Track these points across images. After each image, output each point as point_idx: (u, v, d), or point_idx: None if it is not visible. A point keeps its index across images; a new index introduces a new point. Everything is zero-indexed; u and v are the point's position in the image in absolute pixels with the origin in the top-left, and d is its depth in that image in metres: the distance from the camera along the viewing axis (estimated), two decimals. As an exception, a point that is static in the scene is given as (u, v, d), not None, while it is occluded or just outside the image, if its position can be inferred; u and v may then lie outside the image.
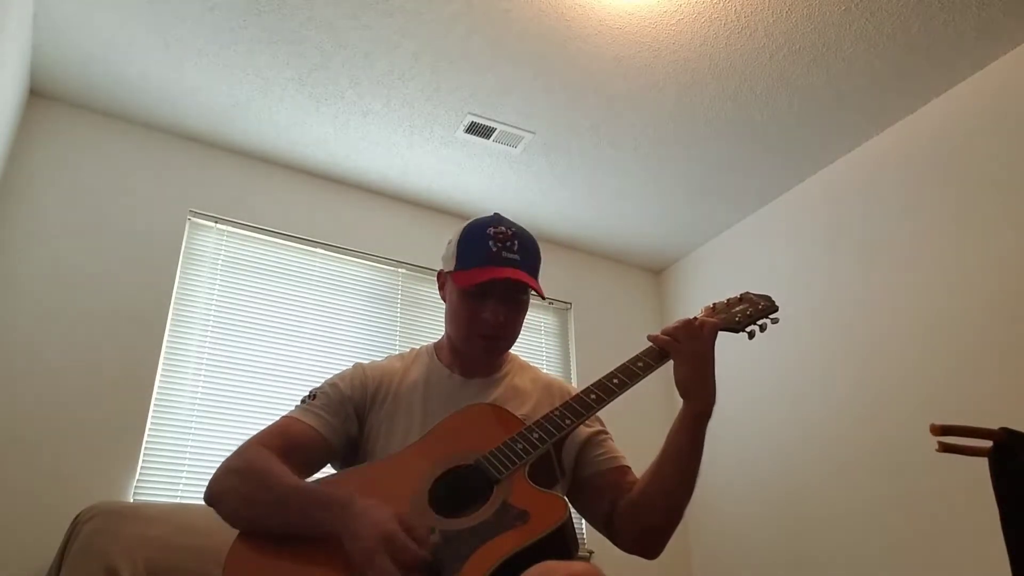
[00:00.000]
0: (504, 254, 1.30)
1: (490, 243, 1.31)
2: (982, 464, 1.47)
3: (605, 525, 1.31)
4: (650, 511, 1.24)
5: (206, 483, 1.17)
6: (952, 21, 2.47)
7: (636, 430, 2.15)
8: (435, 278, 1.46)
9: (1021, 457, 1.43)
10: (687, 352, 1.23)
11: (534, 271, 1.35)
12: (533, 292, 1.37)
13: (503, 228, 1.34)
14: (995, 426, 1.48)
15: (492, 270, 1.28)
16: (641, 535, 1.27)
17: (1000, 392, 2.39)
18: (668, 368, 1.29)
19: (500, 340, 1.35)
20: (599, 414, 1.27)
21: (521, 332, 1.40)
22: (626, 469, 1.35)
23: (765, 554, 3.12)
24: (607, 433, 1.40)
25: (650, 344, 1.29)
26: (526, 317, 1.43)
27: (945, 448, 1.47)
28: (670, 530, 1.25)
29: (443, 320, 1.45)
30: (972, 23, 2.47)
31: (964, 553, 2.37)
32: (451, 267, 1.34)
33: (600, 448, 1.35)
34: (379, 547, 0.97)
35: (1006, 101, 2.59)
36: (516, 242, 1.33)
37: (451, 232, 1.43)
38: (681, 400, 1.25)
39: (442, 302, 1.44)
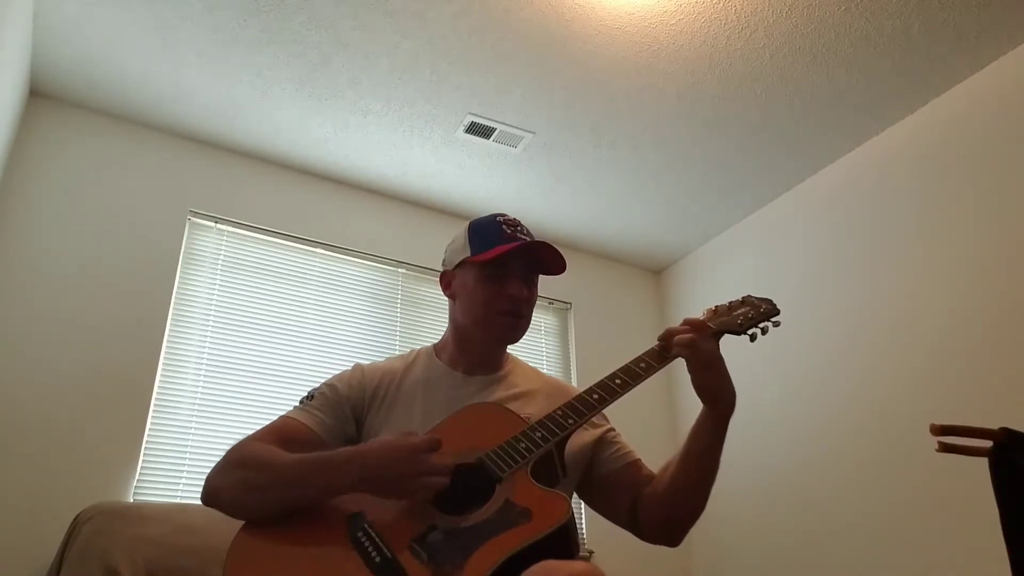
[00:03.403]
0: (518, 235, 1.37)
1: (503, 227, 1.37)
2: (982, 464, 1.47)
3: (628, 520, 1.33)
4: (678, 505, 1.27)
5: (206, 483, 1.17)
6: (952, 21, 2.47)
7: (637, 430, 2.15)
8: (436, 278, 1.47)
9: (1021, 457, 1.43)
10: (704, 357, 1.23)
11: (555, 252, 1.39)
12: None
13: (509, 217, 1.41)
14: (995, 426, 1.48)
15: (515, 244, 1.34)
16: (668, 527, 1.30)
17: (1002, 392, 2.39)
18: (669, 369, 1.30)
19: (522, 318, 1.37)
20: (604, 412, 1.28)
21: None
22: (640, 463, 1.37)
23: (765, 554, 3.12)
24: (615, 430, 1.41)
25: (653, 345, 1.30)
26: None
27: (945, 448, 1.47)
28: (695, 520, 1.29)
29: (444, 320, 1.47)
30: (972, 23, 2.48)
31: (964, 553, 2.37)
32: (464, 255, 1.37)
33: (613, 446, 1.37)
34: (408, 458, 1.05)
35: (1006, 101, 2.59)
36: (523, 227, 1.41)
37: (450, 234, 1.48)
38: (685, 401, 1.26)
39: (444, 301, 1.45)
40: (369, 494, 1.09)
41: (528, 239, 1.37)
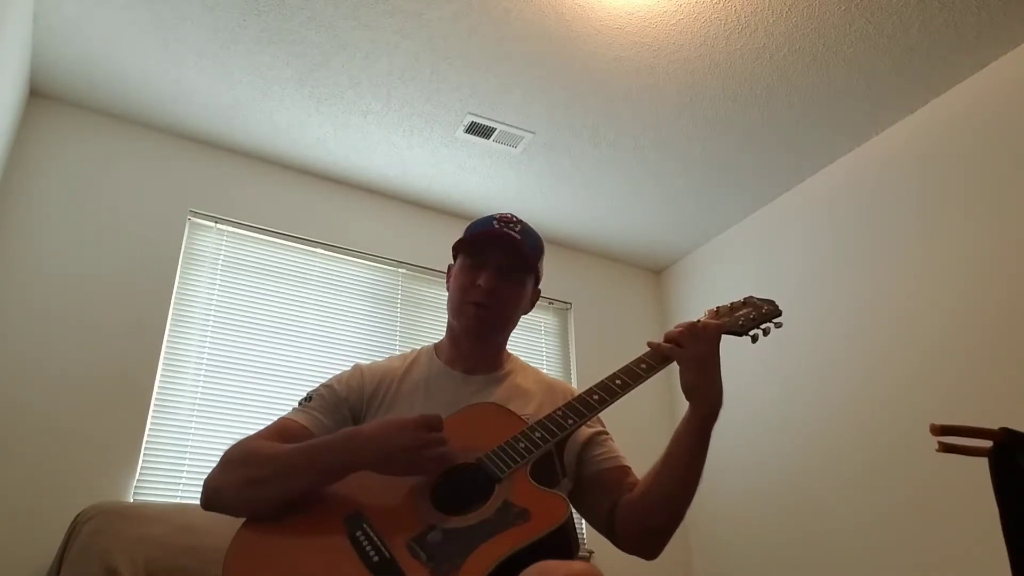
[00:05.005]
0: (505, 229, 1.36)
1: (493, 222, 1.38)
2: (982, 464, 1.47)
3: (605, 525, 1.31)
4: (652, 513, 1.23)
5: (206, 484, 1.17)
6: (952, 21, 2.47)
7: (637, 432, 2.16)
8: (436, 278, 1.47)
9: (1021, 457, 1.43)
10: (691, 356, 1.23)
11: (535, 251, 1.39)
12: (535, 290, 1.43)
13: (508, 214, 1.41)
14: (995, 426, 1.48)
15: (487, 231, 1.36)
16: (642, 536, 1.26)
17: (1002, 392, 2.39)
18: (670, 370, 1.29)
19: (489, 309, 1.34)
20: (599, 415, 1.27)
21: (521, 332, 1.41)
22: (627, 469, 1.34)
23: (765, 554, 3.12)
24: (607, 433, 1.40)
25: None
26: (526, 316, 1.45)
27: (945, 448, 1.47)
28: (671, 532, 1.25)
29: (444, 320, 1.46)
30: (972, 23, 2.47)
31: (964, 553, 2.37)
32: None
33: (601, 448, 1.35)
34: (405, 432, 1.07)
35: (1006, 101, 2.59)
36: (520, 225, 1.40)
37: (450, 234, 1.49)
38: (685, 402, 1.24)
39: (444, 301, 1.45)
40: (373, 472, 1.10)
41: (516, 234, 1.35)
